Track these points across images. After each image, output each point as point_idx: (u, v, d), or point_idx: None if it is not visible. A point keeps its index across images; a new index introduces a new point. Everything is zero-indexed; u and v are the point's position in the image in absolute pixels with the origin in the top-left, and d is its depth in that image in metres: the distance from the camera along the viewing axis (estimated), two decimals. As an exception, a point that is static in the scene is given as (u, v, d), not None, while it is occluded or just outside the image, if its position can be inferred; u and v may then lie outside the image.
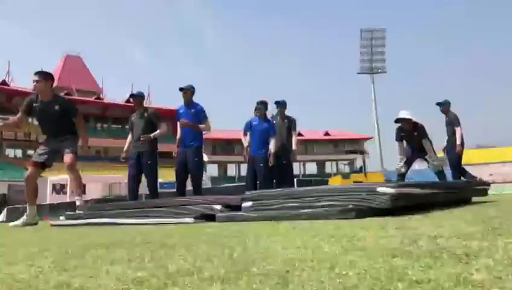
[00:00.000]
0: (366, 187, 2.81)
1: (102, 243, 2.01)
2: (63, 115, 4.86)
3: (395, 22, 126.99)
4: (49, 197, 20.50)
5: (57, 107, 4.80)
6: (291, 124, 6.56)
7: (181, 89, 5.69)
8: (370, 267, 0.96)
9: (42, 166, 4.92)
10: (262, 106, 6.20)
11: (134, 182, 5.72)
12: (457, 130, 6.73)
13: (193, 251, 1.48)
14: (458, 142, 6.67)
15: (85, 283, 1.01)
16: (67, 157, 4.80)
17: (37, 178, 5.04)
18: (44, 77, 4.88)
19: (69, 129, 4.95)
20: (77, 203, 4.91)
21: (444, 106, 7.01)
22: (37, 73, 4.92)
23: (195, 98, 5.81)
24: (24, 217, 4.89)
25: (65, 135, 4.90)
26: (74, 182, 4.93)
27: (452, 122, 6.83)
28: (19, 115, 4.96)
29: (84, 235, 2.66)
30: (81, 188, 4.97)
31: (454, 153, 6.73)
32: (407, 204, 2.72)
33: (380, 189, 2.60)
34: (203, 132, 5.80)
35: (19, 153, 45.68)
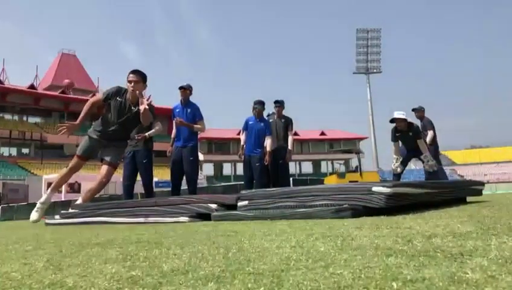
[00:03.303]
0: (361, 187, 2.82)
1: (96, 242, 2.00)
2: (135, 122, 4.53)
3: (390, 22, 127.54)
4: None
5: (135, 110, 4.41)
6: (288, 123, 6.57)
7: (181, 88, 5.69)
8: (365, 267, 0.96)
9: (86, 159, 4.71)
10: (259, 105, 6.20)
11: (129, 181, 5.70)
12: (429, 132, 7.13)
13: (188, 250, 1.48)
14: (427, 140, 6.95)
15: (79, 281, 1.00)
16: (106, 170, 4.51)
17: (78, 170, 4.83)
18: (143, 78, 4.44)
19: (127, 136, 4.73)
20: (76, 203, 4.82)
21: (419, 112, 7.43)
22: (135, 72, 4.42)
23: (191, 97, 5.82)
24: (40, 206, 4.73)
25: (120, 140, 4.64)
26: (90, 192, 4.67)
27: (425, 126, 7.13)
28: (98, 97, 4.52)
29: (79, 234, 2.65)
30: (89, 199, 4.72)
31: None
32: (402, 204, 2.73)
33: (375, 189, 2.61)
34: (198, 132, 5.81)
35: (13, 151, 45.43)
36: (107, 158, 4.55)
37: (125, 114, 4.42)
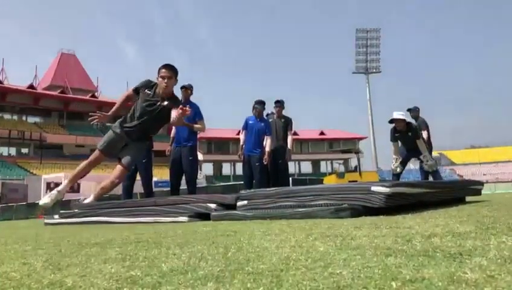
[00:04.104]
0: (360, 187, 2.82)
1: (95, 242, 2.00)
2: (160, 119, 4.30)
3: (390, 22, 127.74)
4: (43, 196, 20.35)
5: (168, 106, 4.17)
6: (288, 123, 6.58)
7: (182, 87, 5.69)
8: (364, 266, 0.96)
9: (106, 154, 4.52)
10: (259, 105, 6.22)
11: (128, 181, 5.70)
12: (423, 133, 7.20)
13: (187, 249, 1.48)
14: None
15: (78, 281, 1.00)
16: (119, 172, 4.36)
17: (98, 164, 4.68)
18: (175, 73, 4.23)
19: (149, 134, 4.51)
20: (86, 201, 4.66)
21: (414, 112, 7.57)
22: (167, 66, 4.19)
23: (192, 97, 5.82)
24: (55, 193, 4.50)
25: (142, 140, 4.43)
26: (102, 190, 4.51)
27: (420, 127, 7.24)
28: (130, 91, 4.35)
29: (78, 234, 2.65)
30: (100, 196, 4.57)
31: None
32: (401, 203, 2.73)
33: (375, 188, 2.61)
34: (197, 132, 5.81)
35: (13, 151, 45.41)
36: (124, 160, 4.41)
37: (151, 107, 4.23)
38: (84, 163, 4.57)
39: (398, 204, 2.68)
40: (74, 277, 1.07)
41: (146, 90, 4.25)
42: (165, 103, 4.17)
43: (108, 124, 5.05)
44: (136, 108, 4.32)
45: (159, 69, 4.21)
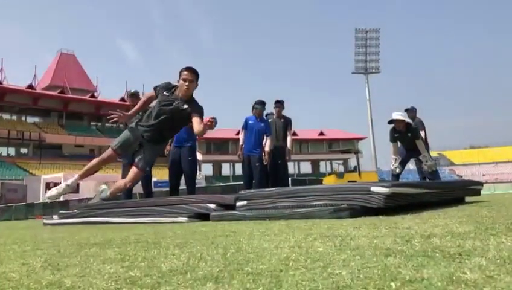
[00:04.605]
0: (360, 187, 2.82)
1: (94, 242, 2.00)
2: (176, 122, 4.21)
3: (389, 22, 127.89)
4: (42, 196, 20.32)
5: (188, 109, 4.06)
6: (287, 123, 6.59)
7: None
8: (363, 267, 0.96)
9: (119, 154, 4.40)
10: (260, 105, 6.21)
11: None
12: (421, 133, 7.16)
13: (186, 250, 1.48)
14: None
15: (77, 282, 1.00)
16: (133, 175, 4.25)
17: (109, 163, 4.58)
18: (197, 77, 4.19)
19: (167, 138, 4.42)
20: (101, 195, 4.44)
21: (411, 112, 7.49)
22: (190, 70, 4.12)
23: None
24: (63, 186, 4.38)
25: (157, 142, 4.31)
26: (116, 190, 4.38)
27: (417, 127, 7.24)
28: (151, 92, 4.29)
29: (77, 234, 2.64)
30: (113, 195, 4.44)
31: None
32: (400, 204, 2.73)
33: (374, 189, 2.61)
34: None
35: (12, 151, 45.36)
36: (138, 162, 4.26)
37: (169, 107, 4.12)
38: (95, 160, 4.50)
39: (398, 204, 2.69)
40: (73, 277, 1.07)
41: (165, 92, 4.18)
42: (185, 106, 4.08)
43: (110, 125, 5.00)
44: (154, 108, 4.24)
45: (181, 72, 4.14)
